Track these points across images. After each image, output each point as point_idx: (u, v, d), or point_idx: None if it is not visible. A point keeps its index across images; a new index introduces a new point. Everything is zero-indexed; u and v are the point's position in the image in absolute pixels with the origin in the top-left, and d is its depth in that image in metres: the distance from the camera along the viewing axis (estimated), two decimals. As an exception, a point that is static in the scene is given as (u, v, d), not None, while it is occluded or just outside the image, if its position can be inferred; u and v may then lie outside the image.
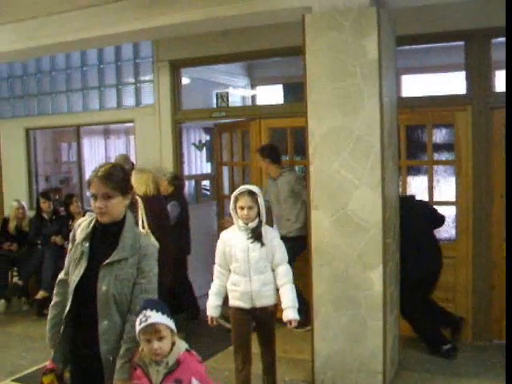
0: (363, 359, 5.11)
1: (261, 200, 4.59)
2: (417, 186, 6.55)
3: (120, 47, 8.27)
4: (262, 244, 4.57)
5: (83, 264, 3.14)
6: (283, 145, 7.06)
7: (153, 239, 3.43)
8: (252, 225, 4.59)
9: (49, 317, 3.32)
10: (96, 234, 3.23)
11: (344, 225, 5.06)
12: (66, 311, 3.16)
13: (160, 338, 2.99)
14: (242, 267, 4.60)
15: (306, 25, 5.11)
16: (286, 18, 5.57)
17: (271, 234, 4.68)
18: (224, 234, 4.78)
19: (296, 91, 8.10)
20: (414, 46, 6.67)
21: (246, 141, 7.58)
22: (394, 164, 5.34)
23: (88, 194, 8.99)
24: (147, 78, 8.11)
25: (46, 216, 8.32)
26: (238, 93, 9.33)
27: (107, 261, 3.10)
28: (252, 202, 4.55)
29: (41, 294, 7.61)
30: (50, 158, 10.06)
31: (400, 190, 6.09)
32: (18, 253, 8.26)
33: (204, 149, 9.05)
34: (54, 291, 3.35)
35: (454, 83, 7.00)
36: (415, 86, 7.86)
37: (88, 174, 9.05)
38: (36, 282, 8.09)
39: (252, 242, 4.58)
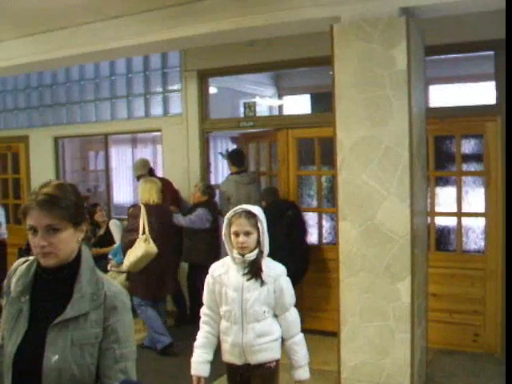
0: (390, 371, 5.07)
1: (262, 224, 3.62)
2: (445, 197, 6.49)
3: (148, 57, 8.32)
4: (262, 282, 3.60)
5: (22, 327, 2.22)
6: (311, 155, 7.05)
7: (120, 287, 2.45)
8: (249, 256, 3.60)
9: None
10: (39, 282, 2.30)
11: (372, 235, 5.03)
12: None
13: None
14: (234, 312, 3.63)
15: (334, 35, 5.11)
16: (314, 27, 5.58)
17: (275, 271, 3.69)
18: (214, 268, 3.77)
19: (323, 101, 8.11)
20: (442, 56, 6.63)
21: (272, 151, 7.57)
22: (422, 175, 5.30)
23: (115, 200, 8.93)
24: (175, 87, 8.15)
25: (73, 224, 8.36)
26: (265, 102, 9.35)
27: (59, 319, 2.18)
28: (250, 227, 3.58)
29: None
30: (78, 166, 10.15)
31: (429, 200, 6.05)
32: (46, 260, 8.29)
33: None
34: None
35: (483, 93, 6.94)
36: (444, 96, 7.81)
37: (116, 182, 9.19)
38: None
39: (248, 280, 3.60)
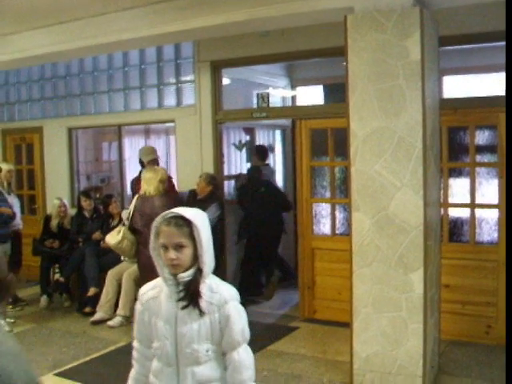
0: (403, 362, 5.08)
1: (200, 234, 2.68)
2: (459, 189, 6.47)
3: (161, 48, 8.35)
4: (201, 312, 2.68)
5: None
6: (324, 146, 7.04)
7: None
8: (183, 277, 2.69)
9: None
10: None
11: (385, 226, 5.03)
12: None
13: None
14: (165, 350, 2.74)
15: (347, 25, 5.10)
16: (328, 18, 5.58)
17: (221, 295, 2.73)
18: (144, 290, 2.91)
19: (336, 92, 8.09)
20: (456, 47, 6.60)
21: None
22: (435, 166, 5.29)
23: (129, 191, 9.02)
24: (188, 78, 8.17)
25: (86, 214, 8.45)
26: (278, 93, 9.34)
27: None
28: (183, 237, 2.67)
29: (92, 291, 7.70)
30: (91, 157, 10.20)
31: (442, 191, 6.05)
32: (60, 250, 8.38)
33: (244, 149, 9.08)
34: None
35: (497, 84, 6.89)
36: (458, 86, 7.77)
37: (129, 173, 9.23)
38: (77, 279, 8.22)
39: (183, 308, 2.69)
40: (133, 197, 7.62)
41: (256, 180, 8.26)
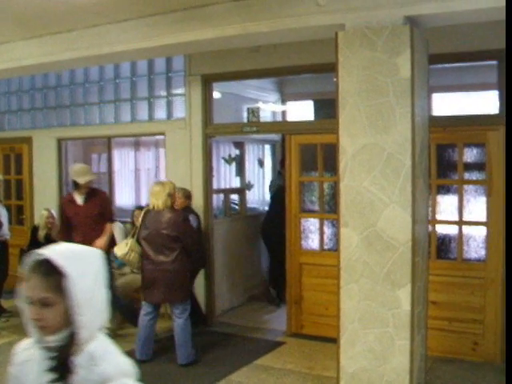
0: (389, 378, 5.07)
1: (76, 285, 1.90)
2: (447, 206, 6.50)
3: (153, 60, 8.35)
4: None
5: None
6: (313, 161, 7.07)
7: None
8: (52, 340, 1.97)
9: None
10: None
11: (373, 242, 5.04)
12: None
13: None
14: None
15: (338, 42, 5.13)
16: (319, 35, 5.61)
17: (105, 369, 1.96)
18: (19, 349, 2.14)
19: (326, 107, 8.13)
20: (446, 65, 6.65)
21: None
22: (424, 183, 5.32)
23: (117, 203, 8.93)
24: (179, 91, 8.17)
25: (75, 225, 8.40)
26: (269, 108, 9.37)
27: None
28: (50, 291, 1.92)
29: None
30: (81, 168, 10.16)
31: (430, 208, 6.07)
32: (47, 261, 8.32)
33: (233, 163, 9.10)
34: None
35: (486, 103, 6.96)
36: (447, 104, 7.82)
37: (118, 185, 9.21)
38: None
39: (51, 382, 1.97)
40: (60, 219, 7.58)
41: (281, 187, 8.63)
